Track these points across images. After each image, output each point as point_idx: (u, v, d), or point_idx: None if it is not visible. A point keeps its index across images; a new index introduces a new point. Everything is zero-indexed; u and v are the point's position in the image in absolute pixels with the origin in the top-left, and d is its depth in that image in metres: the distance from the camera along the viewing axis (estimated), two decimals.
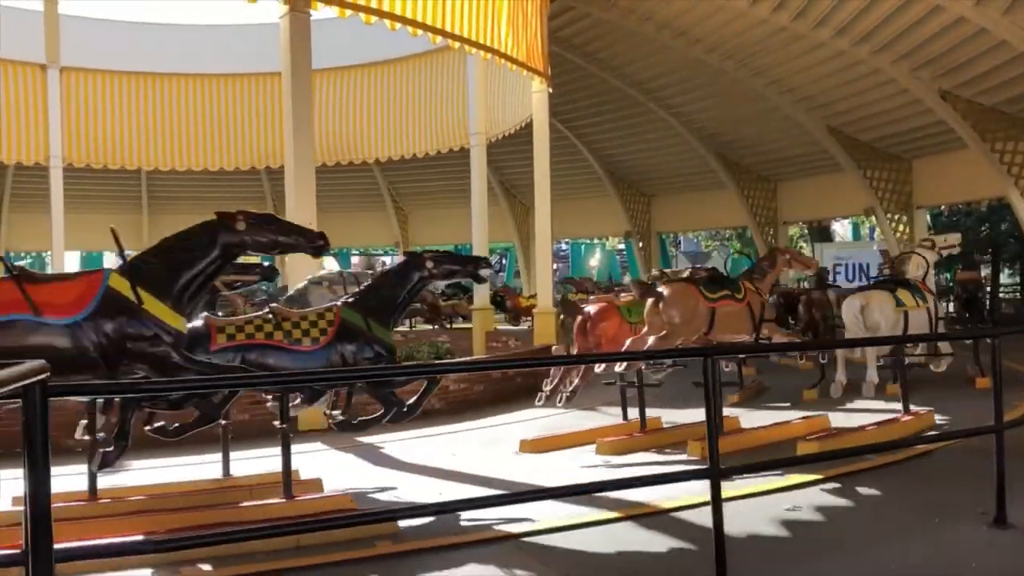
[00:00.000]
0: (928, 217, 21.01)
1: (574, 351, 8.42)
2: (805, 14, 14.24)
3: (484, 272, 6.14)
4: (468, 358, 12.64)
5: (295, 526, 4.32)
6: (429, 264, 5.82)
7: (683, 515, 5.01)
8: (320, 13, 10.51)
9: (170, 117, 18.64)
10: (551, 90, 14.13)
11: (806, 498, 5.34)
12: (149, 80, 18.52)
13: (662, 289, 7.90)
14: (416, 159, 19.42)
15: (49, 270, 27.55)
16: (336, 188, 21.75)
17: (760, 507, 5.12)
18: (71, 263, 22.56)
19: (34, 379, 2.35)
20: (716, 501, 3.58)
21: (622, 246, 34.46)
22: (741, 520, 4.65)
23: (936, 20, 13.22)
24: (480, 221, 15.54)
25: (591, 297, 11.24)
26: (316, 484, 5.63)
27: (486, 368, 10.87)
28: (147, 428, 5.28)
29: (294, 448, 5.05)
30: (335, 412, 5.97)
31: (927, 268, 9.74)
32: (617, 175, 23.68)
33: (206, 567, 4.17)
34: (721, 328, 7.93)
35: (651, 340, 7.70)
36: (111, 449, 4.80)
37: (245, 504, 5.21)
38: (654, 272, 12.59)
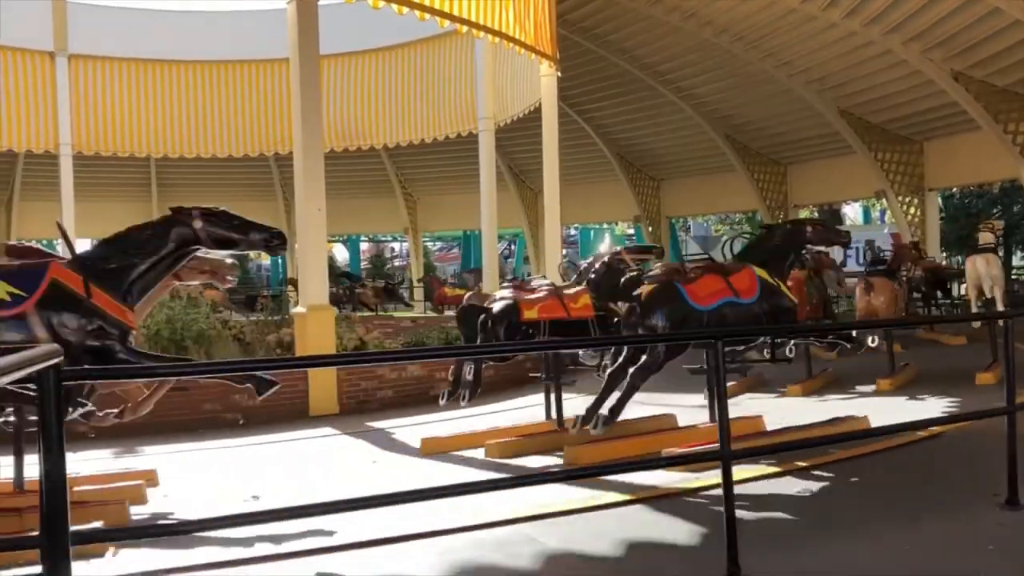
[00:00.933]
0: (940, 200, 20.80)
1: None
2: None
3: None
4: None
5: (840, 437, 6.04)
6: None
7: (694, 497, 5.02)
8: None
9: (178, 104, 18.62)
10: (560, 74, 14.04)
11: (817, 481, 5.34)
12: (157, 67, 18.49)
13: (872, 281, 10.71)
14: (424, 144, 19.36)
15: None
16: (345, 174, 21.69)
17: (772, 489, 5.13)
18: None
19: (47, 363, 2.35)
20: (727, 484, 3.58)
21: (631, 231, 34.33)
22: (753, 502, 4.66)
23: (947, 0, 13.08)
24: (489, 206, 15.50)
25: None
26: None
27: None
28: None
29: (305, 432, 5.09)
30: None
31: (995, 243, 12.62)
32: (626, 159, 23.53)
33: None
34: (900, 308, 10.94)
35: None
36: None
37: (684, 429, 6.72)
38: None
